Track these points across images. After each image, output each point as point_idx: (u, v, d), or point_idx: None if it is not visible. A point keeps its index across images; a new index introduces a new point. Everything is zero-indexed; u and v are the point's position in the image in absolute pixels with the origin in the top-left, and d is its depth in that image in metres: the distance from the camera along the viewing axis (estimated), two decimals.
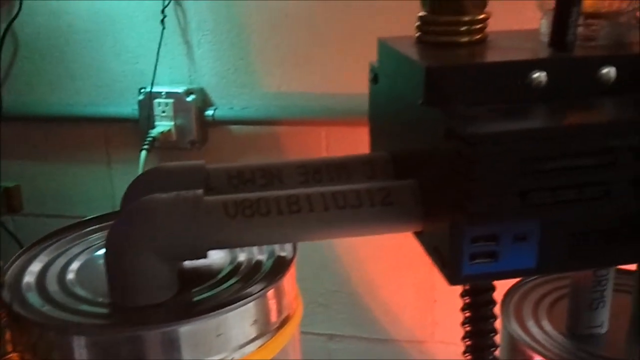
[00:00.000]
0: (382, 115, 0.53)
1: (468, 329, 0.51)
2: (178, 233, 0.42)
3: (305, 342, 1.39)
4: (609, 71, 0.41)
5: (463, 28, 0.46)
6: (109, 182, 1.35)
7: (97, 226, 0.55)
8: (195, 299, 0.46)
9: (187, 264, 0.49)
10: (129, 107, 1.27)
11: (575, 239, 0.40)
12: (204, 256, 0.43)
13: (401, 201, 0.44)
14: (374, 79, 0.53)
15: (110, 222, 0.48)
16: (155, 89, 1.23)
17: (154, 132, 1.23)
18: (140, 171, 1.22)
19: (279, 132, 1.26)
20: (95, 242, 0.53)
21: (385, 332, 1.30)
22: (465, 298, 0.51)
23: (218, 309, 0.43)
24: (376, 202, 0.43)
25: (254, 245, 0.49)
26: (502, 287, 0.61)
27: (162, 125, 1.24)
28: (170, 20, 1.22)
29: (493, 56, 0.44)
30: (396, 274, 1.25)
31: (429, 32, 0.47)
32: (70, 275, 0.49)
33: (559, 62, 0.41)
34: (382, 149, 0.53)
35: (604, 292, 0.55)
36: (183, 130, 1.24)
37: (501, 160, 0.36)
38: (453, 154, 0.37)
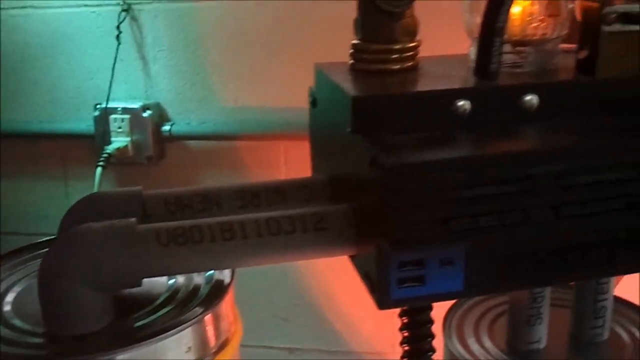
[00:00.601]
0: (320, 138, 0.54)
1: (407, 348, 0.52)
2: (110, 263, 0.42)
3: (266, 356, 1.38)
4: (532, 99, 0.43)
5: (394, 56, 0.47)
6: (65, 199, 1.34)
7: (33, 254, 0.55)
8: (132, 326, 0.46)
9: (126, 290, 0.49)
10: (84, 123, 1.26)
11: (501, 262, 0.41)
12: (138, 285, 0.44)
13: (334, 226, 0.44)
14: (313, 102, 0.54)
15: (46, 250, 0.48)
16: (111, 105, 1.22)
17: (110, 148, 1.22)
18: (96, 188, 1.22)
19: (237, 147, 1.26)
20: (33, 270, 0.53)
21: (346, 345, 1.31)
22: (403, 318, 0.52)
23: (153, 337, 0.43)
24: (309, 227, 0.44)
25: (187, 272, 0.50)
26: (445, 304, 0.62)
27: (119, 141, 1.23)
28: (126, 36, 1.22)
29: (420, 85, 0.45)
30: (356, 286, 1.24)
31: (362, 60, 0.48)
32: (7, 307, 0.49)
33: (482, 91, 0.42)
34: (321, 171, 0.54)
35: (541, 308, 0.57)
36: (140, 146, 1.24)
37: (422, 189, 0.37)
38: (378, 182, 0.38)
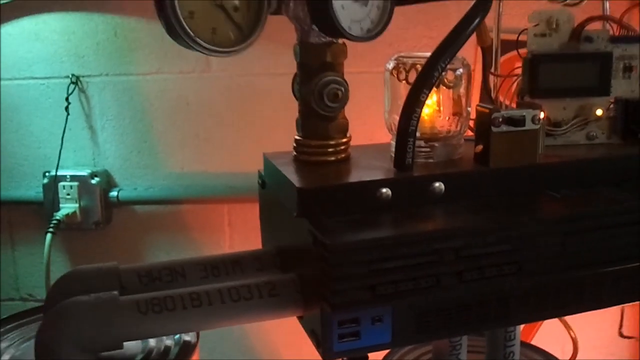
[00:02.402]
0: (269, 216, 0.63)
1: None
2: (98, 330, 0.50)
3: None
4: (439, 185, 0.54)
5: (330, 150, 0.58)
6: (12, 265, 1.37)
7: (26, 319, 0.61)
8: None
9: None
10: (32, 191, 1.31)
11: (420, 317, 0.51)
12: (120, 347, 0.51)
13: (285, 292, 0.54)
14: (262, 184, 0.64)
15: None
16: (60, 173, 1.28)
17: (59, 215, 1.27)
18: (45, 253, 1.26)
19: (182, 211, 1.33)
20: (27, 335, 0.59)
21: None
22: None
23: None
24: (264, 294, 0.53)
25: (164, 335, 0.58)
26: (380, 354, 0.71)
27: (67, 207, 1.29)
28: (74, 107, 1.29)
29: (351, 176, 0.55)
30: (299, 341, 1.32)
31: (303, 152, 0.58)
32: None
33: (400, 180, 0.53)
34: (270, 243, 0.64)
35: (459, 355, 0.67)
36: (88, 212, 1.29)
37: (354, 263, 0.47)
38: (319, 258, 0.47)
